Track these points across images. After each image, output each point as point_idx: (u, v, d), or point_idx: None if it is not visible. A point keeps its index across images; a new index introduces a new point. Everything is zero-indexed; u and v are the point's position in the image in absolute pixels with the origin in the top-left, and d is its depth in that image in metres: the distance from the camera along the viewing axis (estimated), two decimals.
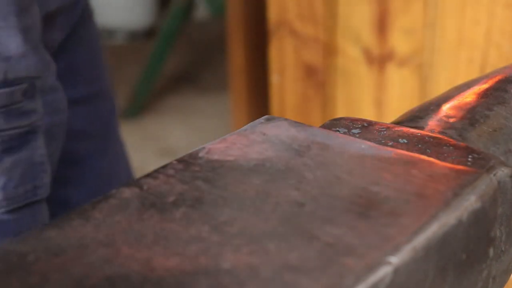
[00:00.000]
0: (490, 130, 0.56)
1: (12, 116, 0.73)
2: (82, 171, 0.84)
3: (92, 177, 0.92)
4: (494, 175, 0.48)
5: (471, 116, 0.57)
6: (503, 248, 0.49)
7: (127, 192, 0.45)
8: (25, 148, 0.75)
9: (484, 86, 0.60)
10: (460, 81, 0.72)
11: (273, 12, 1.50)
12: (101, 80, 0.93)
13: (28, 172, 0.75)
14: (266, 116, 0.53)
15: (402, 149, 0.51)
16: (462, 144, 0.52)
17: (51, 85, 0.79)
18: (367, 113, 1.46)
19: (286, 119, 0.53)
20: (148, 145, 2.69)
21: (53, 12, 0.80)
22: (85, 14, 0.89)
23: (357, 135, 0.53)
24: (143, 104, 2.86)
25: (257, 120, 0.53)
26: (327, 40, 1.46)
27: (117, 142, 0.99)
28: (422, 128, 0.55)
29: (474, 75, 1.19)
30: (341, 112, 1.49)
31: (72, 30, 0.85)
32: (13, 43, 0.72)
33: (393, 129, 0.54)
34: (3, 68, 0.72)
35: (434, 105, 0.59)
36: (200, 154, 0.49)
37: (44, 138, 0.77)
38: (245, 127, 0.52)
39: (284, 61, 1.53)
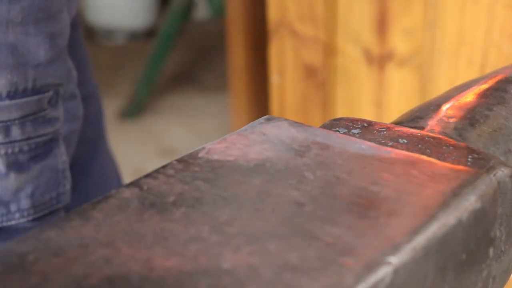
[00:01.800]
0: (490, 130, 0.56)
1: (39, 124, 0.74)
2: (74, 175, 0.84)
3: (83, 181, 0.93)
4: (494, 175, 0.48)
5: (471, 116, 0.57)
6: (503, 248, 0.49)
7: (127, 192, 0.45)
8: (50, 155, 0.75)
9: (484, 86, 0.60)
10: (460, 81, 0.72)
11: (273, 12, 1.50)
12: (89, 83, 0.93)
13: (52, 179, 0.76)
14: (266, 116, 0.53)
15: (402, 149, 0.51)
16: (462, 144, 0.52)
17: (71, 93, 0.79)
18: (367, 113, 1.46)
19: (286, 119, 0.53)
20: (148, 145, 2.69)
21: (73, 18, 0.81)
22: (75, 18, 0.89)
23: (357, 135, 0.53)
24: (143, 104, 2.86)
25: (257, 120, 0.53)
26: (327, 40, 1.46)
27: (106, 146, 0.99)
28: (422, 128, 0.55)
29: (474, 75, 1.19)
30: (341, 112, 1.49)
31: None
32: (42, 50, 0.72)
33: (393, 129, 0.54)
34: (32, 76, 0.72)
35: (434, 105, 0.59)
36: (200, 154, 0.49)
37: (65, 146, 0.78)
38: (245, 127, 0.52)
39: (284, 61, 1.53)
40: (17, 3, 0.69)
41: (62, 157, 0.77)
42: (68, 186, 0.78)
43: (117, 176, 1.03)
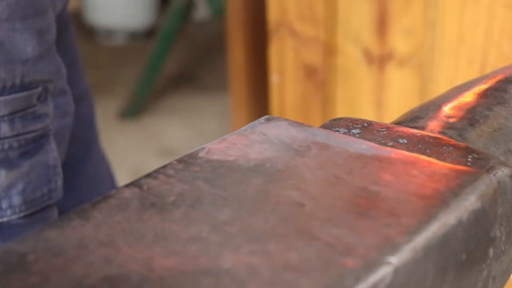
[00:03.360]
0: (490, 130, 0.56)
1: (28, 120, 0.73)
2: (67, 176, 0.84)
3: (77, 181, 0.92)
4: (494, 175, 0.48)
5: (471, 116, 0.57)
6: (503, 248, 0.49)
7: (127, 192, 0.45)
8: (40, 151, 0.75)
9: (484, 86, 0.60)
10: (460, 81, 0.72)
11: (273, 12, 1.50)
12: (81, 84, 0.93)
13: (43, 175, 0.76)
14: (266, 116, 0.53)
15: (402, 149, 0.51)
16: (462, 144, 0.52)
17: (61, 89, 0.79)
18: (367, 113, 1.46)
19: (286, 119, 0.53)
20: (148, 145, 2.69)
21: (57, 15, 0.81)
22: (67, 18, 0.89)
23: (357, 135, 0.53)
24: (143, 104, 2.86)
25: (257, 120, 0.53)
26: (327, 40, 1.46)
27: (99, 146, 0.99)
28: (422, 128, 0.55)
29: (474, 75, 1.19)
30: (341, 112, 1.49)
31: (57, 34, 0.86)
32: (29, 46, 0.72)
33: (393, 129, 0.54)
34: (20, 72, 0.72)
35: (434, 105, 0.59)
36: (200, 154, 0.49)
37: (56, 142, 0.78)
38: (245, 127, 0.52)
39: (284, 61, 1.53)
40: (2, 0, 0.69)
41: (53, 153, 0.76)
42: (59, 182, 0.77)
43: (110, 176, 1.02)
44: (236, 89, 2.03)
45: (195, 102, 2.93)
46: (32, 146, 0.75)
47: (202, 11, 3.41)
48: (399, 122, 0.58)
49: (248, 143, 0.50)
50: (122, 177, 2.43)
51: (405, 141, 0.52)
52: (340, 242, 0.41)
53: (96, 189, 0.96)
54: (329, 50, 1.46)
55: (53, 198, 0.77)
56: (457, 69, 1.33)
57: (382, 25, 1.39)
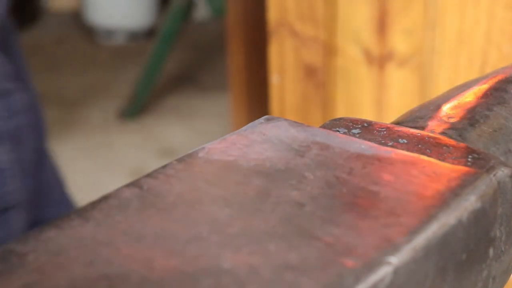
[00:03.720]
0: (490, 130, 0.56)
1: None
2: None
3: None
4: (494, 175, 0.48)
5: (471, 116, 0.57)
6: (503, 248, 0.49)
7: (127, 192, 0.45)
8: None
9: (484, 86, 0.60)
10: (460, 81, 0.72)
11: (273, 12, 1.50)
12: (27, 91, 0.90)
13: None
14: (266, 116, 0.53)
15: (402, 149, 0.51)
16: (462, 144, 0.52)
17: (3, 89, 0.77)
18: (367, 113, 1.46)
19: (286, 119, 0.53)
20: (148, 145, 2.69)
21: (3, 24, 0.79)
22: (11, 24, 0.88)
23: (357, 135, 0.53)
24: (143, 104, 2.86)
25: (257, 120, 0.53)
26: (327, 40, 1.46)
27: (47, 157, 0.96)
28: (422, 128, 0.55)
29: (474, 75, 1.19)
30: (341, 112, 1.49)
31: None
32: None
33: (393, 129, 0.54)
34: None
35: (434, 105, 0.59)
36: (200, 154, 0.49)
37: (10, 143, 0.75)
38: (245, 127, 0.52)
39: (284, 61, 1.53)
40: None
41: (3, 156, 0.74)
42: (16, 183, 0.75)
43: (60, 187, 0.99)
44: (236, 89, 2.03)
45: (195, 102, 2.93)
46: None
47: (202, 11, 3.41)
48: (399, 122, 0.57)
49: (248, 143, 0.50)
50: (122, 177, 2.43)
51: (405, 141, 0.52)
52: (340, 242, 0.41)
53: (46, 200, 0.93)
54: (329, 50, 1.46)
55: (9, 201, 0.74)
56: (457, 69, 1.33)
57: (382, 25, 1.39)
